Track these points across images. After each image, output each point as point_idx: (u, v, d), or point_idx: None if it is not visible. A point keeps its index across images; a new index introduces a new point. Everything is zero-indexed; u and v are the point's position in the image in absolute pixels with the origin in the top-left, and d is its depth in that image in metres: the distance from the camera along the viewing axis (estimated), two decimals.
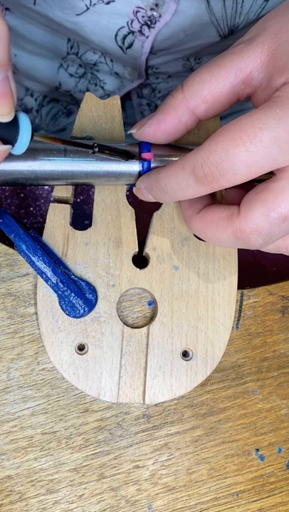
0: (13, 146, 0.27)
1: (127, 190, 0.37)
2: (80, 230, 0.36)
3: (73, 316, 0.35)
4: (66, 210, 0.36)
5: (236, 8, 0.42)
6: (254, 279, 0.48)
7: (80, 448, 0.36)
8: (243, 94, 0.30)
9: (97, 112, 0.37)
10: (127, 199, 0.36)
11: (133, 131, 0.33)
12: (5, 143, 0.26)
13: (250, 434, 0.38)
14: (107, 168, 0.33)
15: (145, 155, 0.33)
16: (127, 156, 0.32)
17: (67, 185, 0.35)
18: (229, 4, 0.41)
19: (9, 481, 0.36)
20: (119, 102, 0.37)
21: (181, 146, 0.34)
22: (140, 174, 0.33)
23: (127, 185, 0.35)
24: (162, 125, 0.31)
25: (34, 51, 0.54)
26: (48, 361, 0.36)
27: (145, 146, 0.33)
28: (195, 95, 0.30)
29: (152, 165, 0.33)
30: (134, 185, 0.34)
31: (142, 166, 0.33)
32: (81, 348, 0.35)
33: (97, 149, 0.30)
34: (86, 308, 0.35)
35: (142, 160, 0.33)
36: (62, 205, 0.36)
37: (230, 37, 0.46)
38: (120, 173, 0.33)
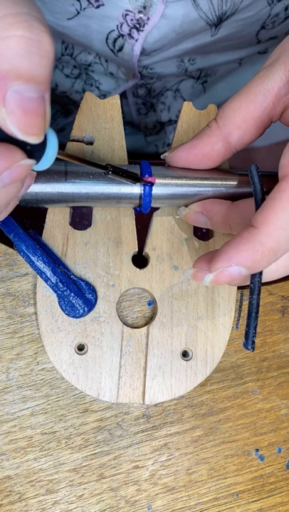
0: (37, 161, 0.24)
1: None
2: (79, 229, 0.36)
3: (73, 316, 0.35)
4: (66, 209, 0.36)
5: None
6: None
7: (80, 448, 0.36)
8: (276, 114, 0.31)
9: (97, 112, 0.37)
10: None
11: (166, 154, 0.33)
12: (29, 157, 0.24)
13: (250, 434, 0.38)
14: (109, 191, 0.33)
15: (148, 178, 0.33)
16: (135, 179, 0.32)
17: (67, 207, 0.35)
18: None
19: (9, 481, 0.36)
20: (118, 101, 0.37)
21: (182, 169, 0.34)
22: (141, 197, 0.33)
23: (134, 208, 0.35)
24: (195, 150, 0.32)
25: None
26: (48, 361, 0.36)
27: (146, 169, 0.33)
28: (228, 122, 0.31)
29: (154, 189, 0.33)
30: (139, 208, 0.34)
31: (144, 190, 0.33)
32: (81, 348, 0.35)
33: (110, 171, 0.30)
34: (86, 308, 0.35)
35: (144, 184, 0.33)
36: None
37: (220, 30, 0.46)
38: (121, 196, 0.33)
